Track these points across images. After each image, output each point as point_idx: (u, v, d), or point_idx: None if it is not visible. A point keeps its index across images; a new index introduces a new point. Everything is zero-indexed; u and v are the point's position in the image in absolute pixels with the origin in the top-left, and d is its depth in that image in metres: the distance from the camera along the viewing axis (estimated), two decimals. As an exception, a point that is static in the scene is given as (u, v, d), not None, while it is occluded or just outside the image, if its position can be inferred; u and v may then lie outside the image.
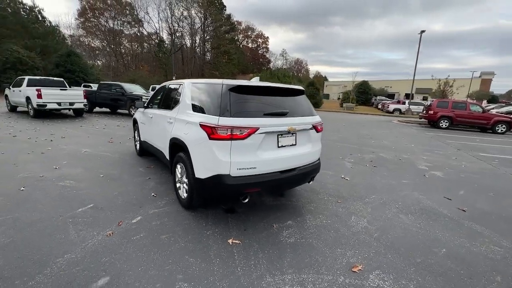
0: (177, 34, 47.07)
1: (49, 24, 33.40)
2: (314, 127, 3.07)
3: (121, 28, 48.09)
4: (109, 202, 3.17)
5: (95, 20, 44.92)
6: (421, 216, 3.21)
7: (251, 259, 2.23)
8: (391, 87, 55.25)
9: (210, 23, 45.97)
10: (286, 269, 2.12)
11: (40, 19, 32.03)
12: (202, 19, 45.82)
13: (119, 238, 2.43)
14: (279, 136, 2.70)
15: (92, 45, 47.98)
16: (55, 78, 11.69)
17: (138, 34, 49.82)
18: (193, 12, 45.20)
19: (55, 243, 2.30)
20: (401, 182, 4.47)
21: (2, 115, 10.54)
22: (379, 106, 30.06)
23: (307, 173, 3.03)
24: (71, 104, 10.50)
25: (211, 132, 2.44)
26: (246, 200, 2.64)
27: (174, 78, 30.16)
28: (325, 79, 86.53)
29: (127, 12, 46.81)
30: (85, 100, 11.08)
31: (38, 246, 2.24)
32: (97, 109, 13.91)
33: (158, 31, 48.51)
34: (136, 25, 48.07)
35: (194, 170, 2.71)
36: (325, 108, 28.91)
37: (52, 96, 9.96)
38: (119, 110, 13.53)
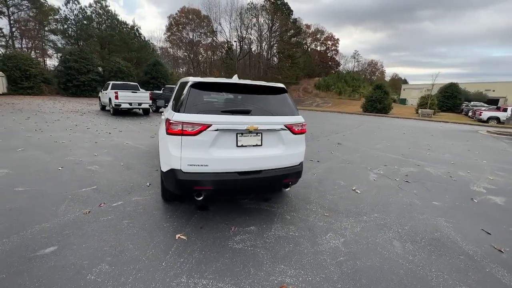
0: (246, 41, 49.85)
1: (143, 39, 40.35)
2: (288, 128, 2.79)
3: (199, 38, 54.12)
4: (110, 186, 3.63)
5: (179, 34, 51.83)
6: (425, 248, 2.51)
7: (182, 256, 2.20)
8: (493, 90, 44.52)
9: (277, 28, 46.98)
10: (208, 274, 2.00)
11: (137, 35, 39.02)
12: (270, 24, 47.22)
13: (91, 217, 2.76)
14: (238, 135, 2.58)
15: (176, 55, 55.58)
16: (131, 83, 14.03)
17: (213, 43, 55.10)
18: (261, 19, 47.12)
19: (44, 213, 2.78)
20: (430, 204, 3.59)
21: (93, 112, 13.28)
22: (469, 114, 24.63)
23: (277, 177, 2.78)
24: (140, 104, 12.43)
25: (168, 127, 2.53)
26: (201, 198, 2.61)
27: (236, 82, 31.90)
28: (405, 82, 76.37)
29: (204, 24, 52.27)
30: (151, 101, 12.92)
31: (33, 213, 2.76)
32: (162, 109, 15.98)
33: (228, 39, 52.45)
34: (211, 35, 53.21)
35: (160, 163, 2.85)
36: (395, 114, 25.55)
37: (126, 98, 12.00)
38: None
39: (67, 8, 34.70)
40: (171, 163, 2.52)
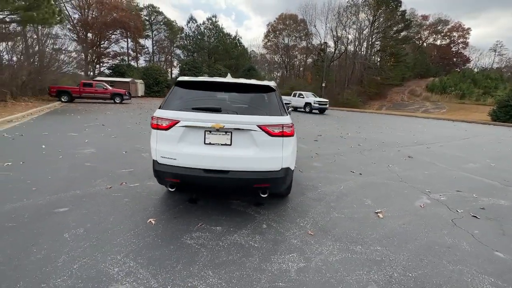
0: (342, 41, 47.02)
1: (242, 48, 44.85)
2: (263, 129, 2.56)
3: (294, 43, 55.12)
4: (143, 171, 4.32)
5: (275, 40, 54.45)
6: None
7: (137, 238, 2.42)
8: None
9: (380, 24, 41.97)
10: (142, 260, 2.14)
11: (238, 44, 43.76)
12: (371, 20, 42.73)
13: (108, 191, 3.42)
14: (206, 133, 2.59)
15: (272, 60, 58.71)
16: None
17: (308, 46, 54.92)
18: (361, 15, 43.27)
19: (83, 184, 3.64)
20: (490, 253, 2.45)
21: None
22: None
23: (247, 180, 2.61)
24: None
25: (151, 122, 2.82)
26: (173, 189, 2.78)
27: (323, 85, 30.66)
28: None
29: (300, 28, 52.76)
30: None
31: (77, 182, 3.67)
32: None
33: (323, 41, 50.93)
34: (305, 38, 53.18)
35: None
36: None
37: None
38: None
39: (187, 27, 42.79)
40: (152, 154, 2.81)
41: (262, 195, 2.83)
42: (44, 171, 4.08)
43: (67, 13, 31.71)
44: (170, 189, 2.81)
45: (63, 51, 31.15)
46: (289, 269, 2.10)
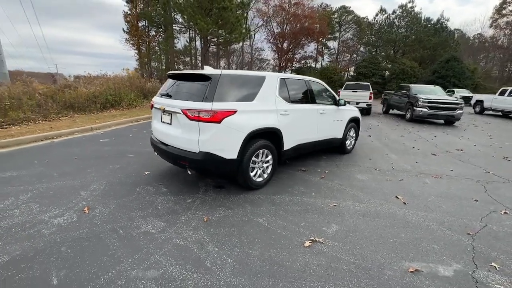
0: None
1: (448, 33, 34.54)
2: (183, 113, 2.90)
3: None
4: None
5: (516, 12, 36.59)
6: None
7: (150, 204, 3.74)
8: None
9: None
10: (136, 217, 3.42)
11: (441, 30, 34.20)
12: None
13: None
14: (162, 113, 3.34)
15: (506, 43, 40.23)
16: (363, 83, 14.32)
17: None
18: None
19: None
20: None
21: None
22: None
23: (175, 155, 3.10)
24: (357, 103, 12.69)
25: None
26: (156, 154, 3.78)
27: None
28: None
29: None
30: (370, 101, 12.55)
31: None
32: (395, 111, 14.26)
33: None
34: None
35: None
36: None
37: (345, 97, 12.90)
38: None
39: (374, 20, 39.67)
40: (156, 128, 3.99)
41: (189, 172, 3.14)
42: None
43: (271, 28, 40.55)
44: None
45: (265, 60, 40.33)
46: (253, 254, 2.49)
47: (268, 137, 3.48)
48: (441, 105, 9.96)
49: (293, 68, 45.58)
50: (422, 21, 34.96)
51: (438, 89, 11.74)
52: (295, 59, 44.71)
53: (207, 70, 3.11)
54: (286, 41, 41.63)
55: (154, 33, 29.00)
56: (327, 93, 4.80)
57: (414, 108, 10.50)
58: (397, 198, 3.35)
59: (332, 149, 5.37)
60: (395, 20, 37.16)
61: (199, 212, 2.83)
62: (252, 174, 3.34)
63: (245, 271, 1.97)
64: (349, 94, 12.89)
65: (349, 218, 2.81)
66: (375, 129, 8.97)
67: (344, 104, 4.94)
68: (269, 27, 41.77)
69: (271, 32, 41.16)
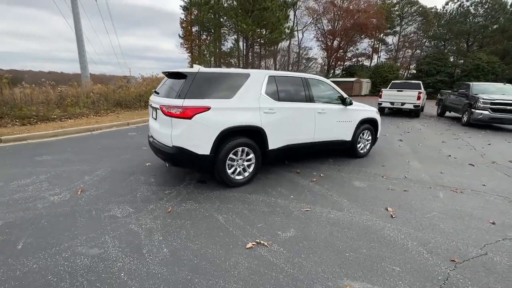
0: None
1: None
2: (160, 109, 3.09)
3: None
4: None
5: None
6: None
7: (131, 193, 4.17)
8: None
9: None
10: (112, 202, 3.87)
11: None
12: None
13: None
14: (152, 109, 3.61)
15: None
16: (413, 81, 12.67)
17: None
18: None
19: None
20: None
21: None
22: None
23: (156, 149, 3.34)
24: (402, 104, 11.36)
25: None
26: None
27: None
28: None
29: None
30: (418, 101, 11.05)
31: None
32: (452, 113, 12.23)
33: None
34: None
35: None
36: None
37: (389, 97, 11.70)
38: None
39: (443, 10, 34.65)
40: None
41: (167, 165, 3.32)
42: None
43: (321, 25, 39.14)
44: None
45: (312, 59, 39.27)
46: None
47: (249, 135, 3.45)
48: (509, 107, 8.16)
49: (344, 66, 43.13)
50: (508, 7, 29.07)
51: (509, 88, 9.64)
52: (346, 57, 42.21)
53: (195, 68, 3.24)
54: (336, 39, 39.64)
55: (205, 37, 31.02)
56: (331, 92, 4.45)
57: (472, 110, 8.85)
58: (387, 210, 2.94)
59: (344, 152, 4.98)
60: (470, 8, 31.76)
61: (168, 203, 2.99)
62: (230, 171, 3.36)
63: (173, 262, 2.03)
64: (392, 94, 11.64)
65: (314, 226, 2.60)
66: (415, 132, 7.90)
67: (351, 103, 4.49)
68: (319, 25, 40.39)
69: (321, 30, 39.73)
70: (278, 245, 2.27)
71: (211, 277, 1.88)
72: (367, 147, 5.08)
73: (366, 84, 32.96)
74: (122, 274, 1.89)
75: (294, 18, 36.88)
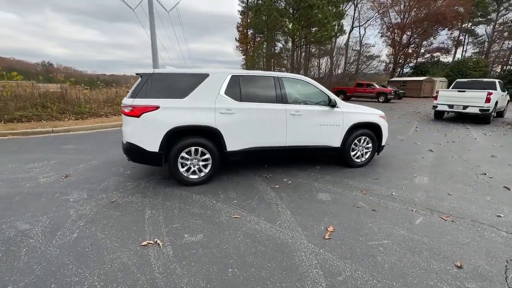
0: None
1: None
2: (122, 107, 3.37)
3: None
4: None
5: None
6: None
7: (106, 190, 4.67)
8: None
9: None
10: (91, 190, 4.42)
11: None
12: None
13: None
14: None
15: None
16: (485, 80, 10.17)
17: None
18: None
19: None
20: None
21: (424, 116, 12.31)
22: None
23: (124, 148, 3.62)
24: (464, 107, 9.32)
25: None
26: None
27: None
28: None
29: None
30: (487, 105, 8.87)
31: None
32: None
33: None
34: None
35: None
36: None
37: (446, 98, 9.77)
38: None
39: None
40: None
41: (128, 159, 3.56)
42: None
43: (388, 19, 35.23)
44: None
45: (374, 57, 35.86)
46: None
47: (206, 135, 3.43)
48: None
49: (417, 63, 37.68)
50: None
51: None
52: (417, 53, 36.77)
53: (160, 70, 3.44)
54: (406, 33, 34.96)
55: (259, 39, 31.77)
56: (312, 92, 4.00)
57: None
58: (326, 229, 2.51)
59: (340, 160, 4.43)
60: None
61: (118, 194, 3.24)
62: (183, 169, 3.42)
63: (68, 247, 2.19)
64: (451, 95, 9.67)
65: (227, 234, 2.42)
66: (463, 143, 6.39)
67: (335, 105, 3.93)
68: (386, 19, 36.42)
69: (387, 24, 35.72)
70: (171, 247, 2.22)
71: (84, 267, 1.98)
72: (366, 155, 4.38)
73: (440, 84, 28.24)
74: (24, 250, 2.16)
75: (354, 13, 34.30)
